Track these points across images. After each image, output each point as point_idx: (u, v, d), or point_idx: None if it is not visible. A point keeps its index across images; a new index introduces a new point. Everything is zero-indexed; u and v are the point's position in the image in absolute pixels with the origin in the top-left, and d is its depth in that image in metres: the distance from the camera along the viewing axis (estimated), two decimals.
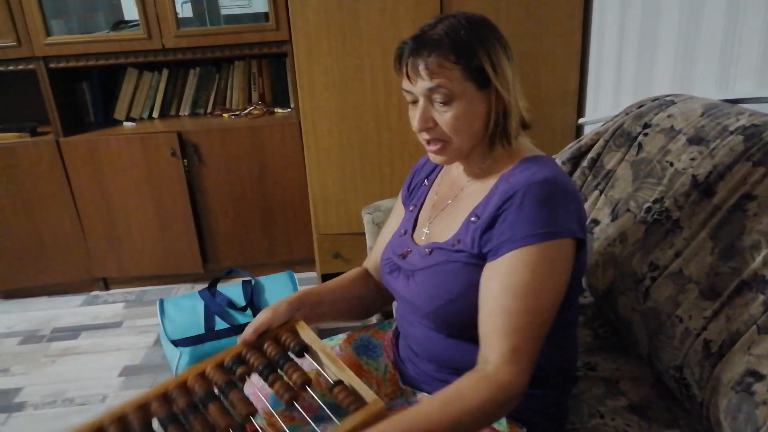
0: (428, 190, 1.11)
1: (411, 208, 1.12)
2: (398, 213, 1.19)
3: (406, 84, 0.92)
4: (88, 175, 2.32)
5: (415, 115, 0.92)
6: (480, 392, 0.79)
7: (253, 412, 0.85)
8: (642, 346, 1.14)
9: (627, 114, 1.45)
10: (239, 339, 0.98)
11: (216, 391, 0.90)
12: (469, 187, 1.00)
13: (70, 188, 2.33)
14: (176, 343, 1.87)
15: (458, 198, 1.01)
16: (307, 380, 0.91)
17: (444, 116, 0.90)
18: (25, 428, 1.76)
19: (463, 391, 0.80)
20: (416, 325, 1.01)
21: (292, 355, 0.96)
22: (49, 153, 2.28)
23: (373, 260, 1.20)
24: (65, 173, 2.31)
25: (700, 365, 0.96)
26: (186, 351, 1.87)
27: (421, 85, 0.89)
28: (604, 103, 2.03)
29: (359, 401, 0.85)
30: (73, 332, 2.26)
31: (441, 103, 0.89)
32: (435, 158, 0.95)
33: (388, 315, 1.40)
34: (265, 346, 0.98)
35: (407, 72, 0.90)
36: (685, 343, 1.01)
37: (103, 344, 2.17)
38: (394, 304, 1.27)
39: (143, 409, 0.88)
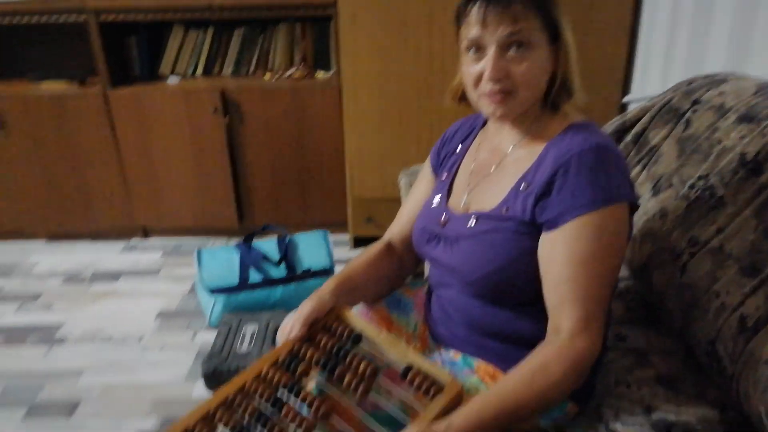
0: (462, 158, 1.10)
1: (444, 176, 1.11)
2: (425, 181, 1.18)
3: (475, 32, 0.88)
4: (132, 126, 2.38)
5: (477, 66, 0.90)
6: (563, 363, 0.81)
7: (331, 410, 0.85)
8: (675, 320, 1.14)
9: (676, 90, 1.42)
10: (287, 335, 0.94)
11: (281, 393, 0.87)
12: (513, 153, 0.98)
13: (115, 138, 2.40)
14: (212, 290, 1.93)
15: (502, 164, 0.99)
16: (374, 370, 0.88)
17: (519, 66, 0.88)
18: (65, 360, 1.86)
19: (547, 363, 0.82)
20: (453, 290, 1.02)
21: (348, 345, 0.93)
22: (96, 103, 2.34)
23: (397, 230, 1.18)
24: (111, 124, 2.37)
25: (734, 340, 0.97)
26: (220, 299, 1.93)
27: (500, 31, 0.86)
28: (652, 81, 1.99)
29: (435, 384, 0.85)
30: (113, 276, 2.35)
31: (517, 51, 0.87)
32: (495, 109, 0.91)
33: (418, 274, 1.42)
34: (318, 338, 0.94)
35: (483, 17, 0.87)
36: (720, 318, 1.01)
37: (141, 289, 2.26)
38: (426, 266, 1.28)
39: (208, 419, 0.84)
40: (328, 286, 1.02)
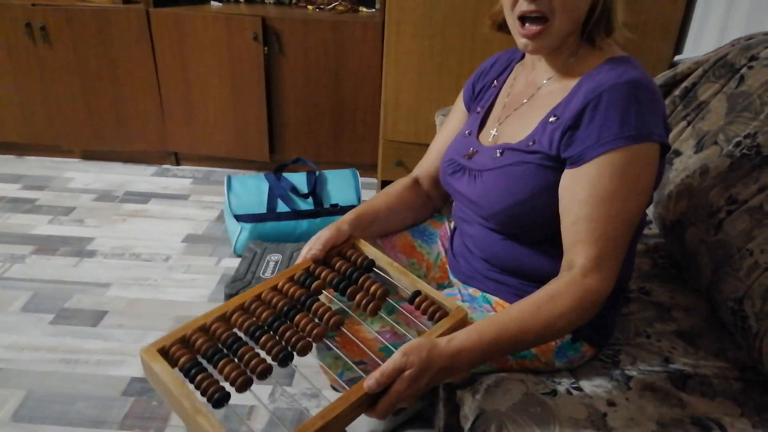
0: (497, 92, 1.07)
1: (478, 109, 1.09)
2: (458, 116, 1.16)
3: None
4: (172, 49, 2.37)
5: None
6: (571, 295, 0.80)
7: (342, 321, 0.86)
8: (703, 278, 1.12)
9: (733, 45, 1.36)
10: (307, 254, 0.96)
11: (294, 304, 0.89)
12: (547, 86, 0.95)
13: (154, 61, 2.40)
14: (239, 217, 1.96)
15: (534, 98, 0.97)
16: (385, 291, 0.90)
17: None
18: (94, 273, 1.91)
19: (555, 294, 0.81)
20: (475, 225, 1.02)
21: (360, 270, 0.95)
22: (138, 22, 2.33)
23: (425, 166, 1.18)
24: (151, 44, 2.37)
25: (762, 298, 0.95)
26: (247, 227, 1.96)
27: None
28: (707, 41, 1.90)
29: (441, 310, 0.86)
30: (143, 197, 2.40)
31: None
32: (528, 44, 0.89)
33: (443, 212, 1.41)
34: (333, 261, 0.96)
35: None
36: (752, 276, 0.98)
37: (170, 212, 2.30)
38: (454, 203, 1.27)
39: (225, 319, 0.85)
40: (348, 216, 1.03)
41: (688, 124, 1.34)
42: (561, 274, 0.85)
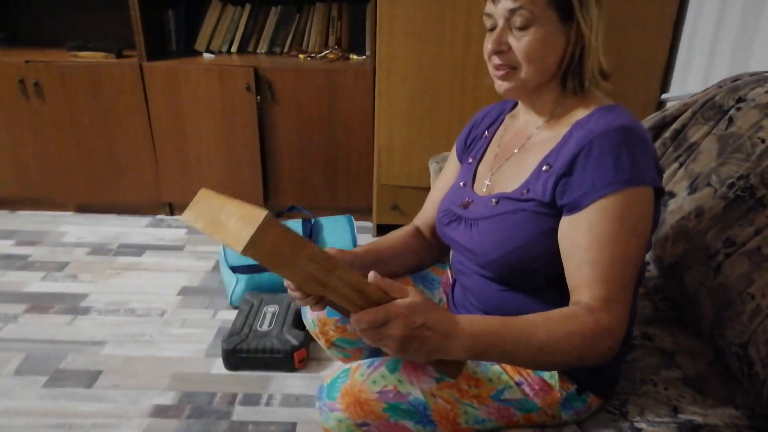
0: (489, 142, 1.09)
1: (470, 160, 1.11)
2: (452, 168, 1.18)
3: (488, 7, 0.91)
4: (165, 101, 2.40)
5: (488, 41, 0.91)
6: (583, 321, 0.78)
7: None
8: (705, 322, 1.11)
9: (720, 87, 1.38)
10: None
11: None
12: (537, 135, 0.97)
13: (147, 112, 2.42)
14: (234, 269, 1.95)
15: (525, 147, 0.98)
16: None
17: (520, 41, 0.88)
18: (88, 330, 1.88)
19: (567, 314, 0.79)
20: (474, 276, 1.01)
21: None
22: (131, 75, 2.36)
23: (424, 217, 1.20)
24: (145, 97, 2.39)
25: (767, 344, 0.93)
26: (242, 278, 1.94)
27: (504, 5, 0.87)
28: (693, 78, 1.94)
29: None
30: (138, 249, 2.38)
31: (519, 27, 0.87)
32: (500, 85, 0.93)
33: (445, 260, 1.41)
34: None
35: None
36: (755, 321, 0.97)
37: (165, 264, 2.28)
38: (452, 254, 1.27)
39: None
40: (353, 250, 1.05)
41: (681, 165, 1.35)
42: (569, 306, 0.83)
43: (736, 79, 1.37)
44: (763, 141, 1.16)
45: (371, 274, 0.72)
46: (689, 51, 1.97)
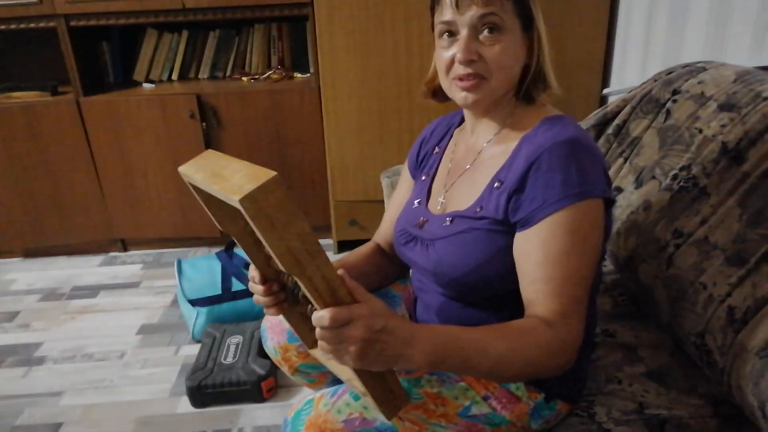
0: (440, 158, 1.08)
1: (423, 177, 1.09)
2: (405, 185, 1.17)
3: (448, 15, 0.87)
4: (107, 135, 2.33)
5: (450, 51, 0.88)
6: (539, 332, 0.78)
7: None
8: (662, 314, 1.12)
9: (656, 81, 1.41)
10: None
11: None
12: (488, 150, 0.96)
13: (89, 148, 2.34)
14: (193, 302, 1.89)
15: (476, 163, 0.97)
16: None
17: (491, 49, 0.86)
18: (44, 382, 1.80)
19: (524, 325, 0.79)
20: (434, 294, 1.00)
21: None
22: (69, 112, 2.28)
23: (383, 234, 1.19)
24: (85, 133, 2.32)
25: (723, 332, 0.95)
26: (203, 311, 1.89)
27: (472, 13, 0.85)
28: (631, 72, 1.99)
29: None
30: (92, 291, 2.30)
31: (489, 34, 0.85)
32: (467, 97, 0.89)
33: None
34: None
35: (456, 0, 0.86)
36: (708, 310, 0.99)
37: (121, 303, 2.20)
38: (411, 271, 1.26)
39: None
40: None
41: (625, 160, 1.38)
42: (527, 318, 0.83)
43: (669, 71, 1.40)
44: (700, 131, 1.19)
45: (340, 272, 0.70)
46: (625, 46, 2.02)
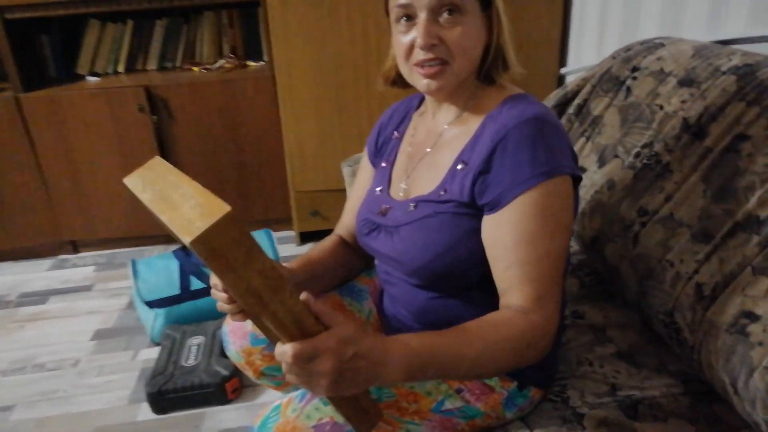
0: (400, 143, 1.05)
1: (383, 164, 1.05)
2: (365, 173, 1.12)
3: None
4: (50, 132, 2.20)
5: (408, 35, 0.84)
6: (515, 325, 0.75)
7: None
8: (630, 293, 1.12)
9: (614, 58, 1.40)
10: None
11: None
12: (449, 131, 0.93)
13: (32, 147, 2.22)
14: (150, 304, 1.81)
15: (438, 145, 0.94)
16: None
17: (452, 32, 0.82)
18: None
19: (498, 321, 0.75)
20: (401, 285, 0.97)
21: None
22: (7, 109, 2.15)
23: (345, 225, 1.14)
24: (27, 131, 2.19)
25: (692, 309, 0.94)
26: (161, 312, 1.81)
27: None
28: (588, 51, 1.98)
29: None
30: (41, 297, 2.18)
31: (449, 17, 0.81)
32: (430, 84, 0.85)
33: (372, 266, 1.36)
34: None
35: None
36: (677, 288, 0.98)
37: (74, 308, 2.10)
38: (377, 263, 1.22)
39: None
40: (287, 267, 0.96)
41: (587, 139, 1.36)
42: (500, 310, 0.80)
43: (628, 49, 1.39)
44: (661, 107, 1.18)
45: (303, 295, 0.65)
46: (581, 23, 2.01)
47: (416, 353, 0.69)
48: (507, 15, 0.88)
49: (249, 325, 1.06)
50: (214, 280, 0.86)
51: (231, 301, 0.84)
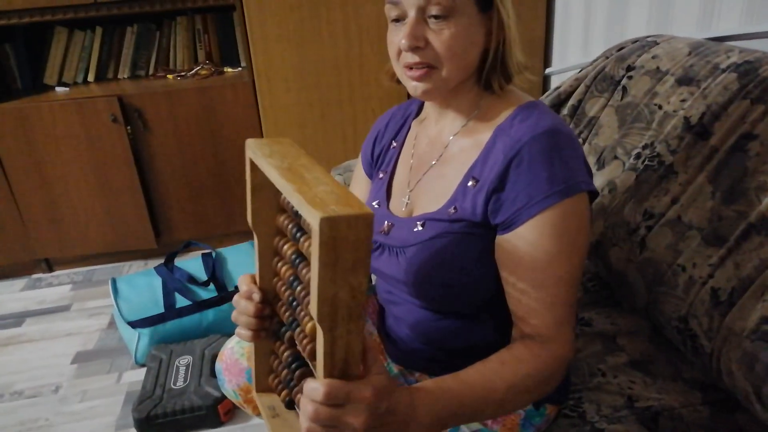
0: (398, 153, 0.99)
1: (380, 175, 0.99)
2: (361, 184, 1.06)
3: None
4: (18, 146, 2.10)
5: (398, 36, 0.79)
6: (536, 357, 0.72)
7: None
8: (639, 299, 1.09)
9: (607, 57, 1.38)
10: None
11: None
12: (456, 143, 0.87)
13: (0, 163, 2.11)
14: (134, 324, 1.73)
15: (444, 158, 0.88)
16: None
17: (440, 35, 0.77)
18: None
19: (519, 356, 0.73)
20: (406, 305, 0.91)
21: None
22: None
23: None
24: None
25: (708, 315, 0.92)
26: (145, 332, 1.74)
27: None
28: (573, 50, 1.96)
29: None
30: (16, 319, 2.08)
31: (437, 17, 0.76)
32: (417, 87, 0.81)
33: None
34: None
35: None
36: (690, 293, 0.96)
37: (52, 330, 2.01)
38: (377, 282, 1.17)
39: None
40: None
41: (584, 141, 1.34)
42: (517, 341, 0.77)
43: (620, 47, 1.37)
44: (660, 107, 1.16)
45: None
46: (565, 23, 1.99)
47: (443, 405, 0.66)
48: (514, 13, 0.83)
49: (244, 362, 1.01)
50: (251, 285, 0.78)
51: (258, 314, 0.77)
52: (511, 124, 0.80)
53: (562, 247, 0.75)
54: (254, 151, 0.67)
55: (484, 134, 0.83)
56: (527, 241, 0.75)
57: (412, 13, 0.77)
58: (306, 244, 0.64)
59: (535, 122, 0.78)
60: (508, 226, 0.77)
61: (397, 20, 0.80)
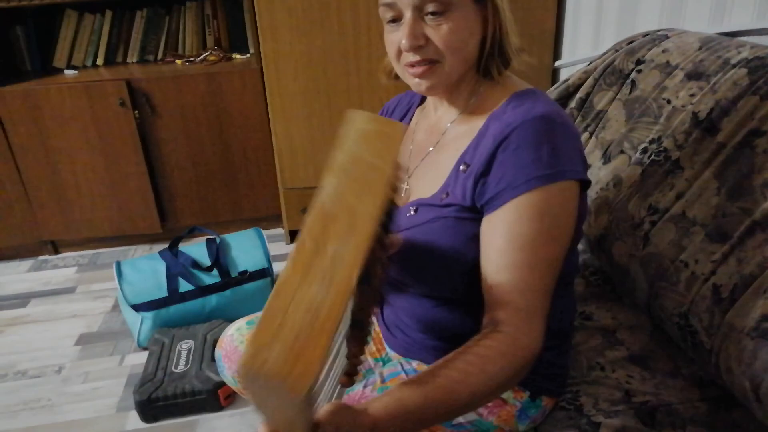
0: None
1: None
2: None
3: None
4: (27, 128, 2.11)
5: (397, 36, 0.80)
6: (503, 355, 0.70)
7: None
8: (640, 294, 1.08)
9: (617, 51, 1.36)
10: None
11: None
12: (452, 130, 0.88)
13: (8, 144, 2.12)
14: (137, 307, 1.75)
15: (440, 144, 0.89)
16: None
17: (438, 30, 0.77)
18: None
19: (485, 356, 0.70)
20: (404, 296, 0.92)
21: None
22: None
23: None
24: (1, 128, 2.10)
25: (710, 311, 0.91)
26: (148, 316, 1.75)
27: None
28: (583, 43, 1.94)
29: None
30: (21, 300, 2.10)
31: (434, 14, 0.77)
32: (420, 84, 0.82)
33: None
34: None
35: None
36: (692, 289, 0.95)
37: (56, 311, 2.02)
38: None
39: None
40: None
41: (591, 135, 1.33)
42: (488, 329, 0.74)
43: (630, 41, 1.35)
44: (668, 102, 1.14)
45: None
46: (576, 16, 1.97)
47: (402, 421, 0.64)
48: (507, 3, 0.83)
49: (242, 348, 1.01)
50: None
51: None
52: (504, 110, 0.81)
53: (540, 231, 0.74)
54: (354, 118, 0.61)
55: (479, 121, 0.84)
56: (506, 223, 0.75)
57: (408, 13, 0.78)
58: None
59: (529, 108, 0.78)
60: (490, 206, 0.77)
61: (393, 21, 0.80)
